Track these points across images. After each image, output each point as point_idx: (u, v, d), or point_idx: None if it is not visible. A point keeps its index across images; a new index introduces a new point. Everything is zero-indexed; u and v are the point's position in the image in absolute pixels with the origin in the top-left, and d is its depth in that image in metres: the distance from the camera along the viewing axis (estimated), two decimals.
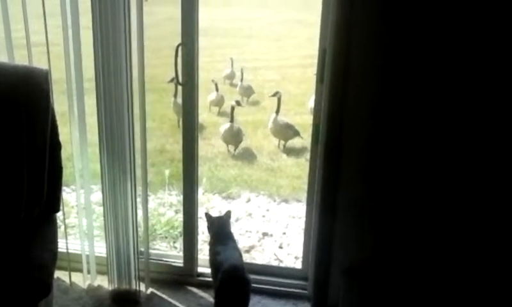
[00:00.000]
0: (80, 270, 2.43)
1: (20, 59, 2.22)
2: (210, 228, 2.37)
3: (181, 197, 2.44)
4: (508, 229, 2.06)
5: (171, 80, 3.41)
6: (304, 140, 4.85)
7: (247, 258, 2.92)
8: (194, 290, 2.46)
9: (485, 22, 1.86)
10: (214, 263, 2.20)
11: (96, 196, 2.94)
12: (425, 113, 2.00)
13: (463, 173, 2.04)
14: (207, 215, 2.42)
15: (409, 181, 2.10)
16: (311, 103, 4.42)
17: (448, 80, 1.95)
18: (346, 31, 1.94)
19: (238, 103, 4.91)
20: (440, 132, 2.01)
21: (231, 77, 6.71)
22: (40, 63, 2.00)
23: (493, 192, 2.04)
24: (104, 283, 2.43)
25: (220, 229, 2.34)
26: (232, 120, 4.79)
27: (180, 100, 2.39)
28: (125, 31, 2.02)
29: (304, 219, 2.46)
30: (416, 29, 1.91)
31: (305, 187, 2.42)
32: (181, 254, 2.54)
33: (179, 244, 2.99)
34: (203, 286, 2.45)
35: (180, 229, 2.80)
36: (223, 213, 2.48)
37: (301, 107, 5.90)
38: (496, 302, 2.08)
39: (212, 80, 5.71)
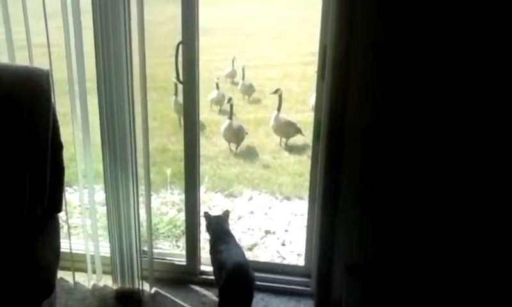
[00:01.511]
0: (85, 270, 2.44)
1: (21, 60, 2.22)
2: (208, 227, 2.39)
3: (183, 196, 2.45)
4: (507, 226, 2.06)
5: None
6: (306, 137, 4.85)
7: (250, 256, 2.93)
8: (197, 288, 2.46)
9: (488, 21, 1.86)
10: (217, 261, 2.20)
11: (99, 195, 2.95)
12: (428, 110, 2.00)
13: (465, 169, 2.03)
14: (206, 214, 2.43)
15: (411, 178, 2.09)
16: (312, 101, 4.42)
17: (452, 76, 1.94)
18: (346, 27, 1.93)
19: (229, 99, 4.92)
20: (444, 129, 2.01)
21: (232, 75, 6.71)
22: (41, 64, 2.00)
23: (493, 190, 2.04)
24: (109, 282, 2.43)
25: (219, 228, 2.34)
26: (230, 117, 4.79)
27: (180, 99, 2.39)
28: (126, 30, 2.02)
29: (306, 216, 2.46)
30: (417, 25, 1.91)
31: (307, 184, 2.42)
32: (184, 252, 2.54)
33: (182, 243, 3.00)
34: (206, 284, 2.46)
35: (183, 228, 2.80)
36: (221, 212, 2.49)
37: (303, 104, 5.89)
38: (498, 298, 2.08)
39: (217, 78, 5.72)
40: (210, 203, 3.76)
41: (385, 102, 2.03)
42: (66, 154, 1.95)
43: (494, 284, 2.11)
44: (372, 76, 2.00)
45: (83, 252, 2.43)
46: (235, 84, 6.59)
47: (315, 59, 2.19)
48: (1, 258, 1.65)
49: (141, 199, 2.30)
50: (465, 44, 1.89)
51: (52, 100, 1.86)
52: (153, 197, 3.59)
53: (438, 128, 2.01)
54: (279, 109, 4.90)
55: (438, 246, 2.16)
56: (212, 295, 2.39)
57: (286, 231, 3.35)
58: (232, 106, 4.85)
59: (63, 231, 2.20)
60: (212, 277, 2.31)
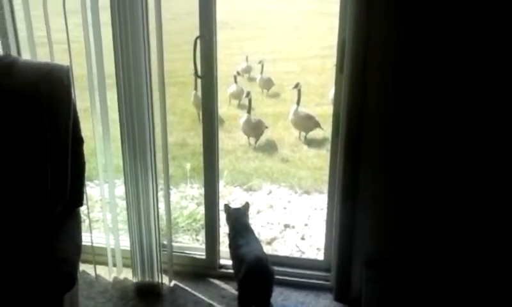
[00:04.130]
0: (106, 264, 2.47)
1: (42, 57, 2.26)
2: (228, 219, 2.39)
3: (203, 190, 2.46)
4: None
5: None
6: (325, 131, 4.82)
7: (269, 250, 2.93)
8: (217, 281, 2.48)
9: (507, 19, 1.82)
10: (236, 255, 2.21)
11: (120, 190, 2.98)
12: (447, 102, 1.96)
13: (485, 163, 2.00)
14: (226, 206, 2.43)
15: (431, 172, 2.06)
16: (331, 94, 4.38)
17: (470, 66, 1.90)
18: (365, 21, 1.91)
19: (248, 93, 4.91)
20: (464, 121, 1.97)
21: (247, 70, 6.69)
22: (61, 60, 2.03)
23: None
24: (129, 275, 2.47)
25: (238, 220, 2.34)
26: (248, 111, 4.79)
27: (200, 93, 2.40)
28: (144, 26, 2.04)
29: (326, 210, 2.45)
30: (434, 18, 1.87)
31: (326, 178, 2.40)
32: (203, 246, 2.56)
33: (201, 237, 3.01)
34: (225, 278, 2.47)
35: (202, 221, 2.82)
36: (240, 205, 2.49)
37: (322, 98, 5.85)
38: None
39: (237, 73, 5.74)
40: (229, 197, 3.78)
41: (404, 95, 2.00)
42: (87, 149, 1.98)
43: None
44: (391, 69, 1.97)
45: (104, 245, 2.47)
46: (250, 79, 6.58)
47: (333, 51, 2.17)
48: (24, 251, 1.69)
49: (160, 193, 2.32)
50: (484, 37, 1.85)
51: (72, 95, 1.88)
52: (173, 191, 3.62)
53: (458, 121, 1.97)
54: (298, 103, 4.88)
55: (458, 240, 2.13)
56: (231, 289, 2.40)
57: (306, 225, 3.34)
58: (250, 100, 4.84)
59: (85, 225, 2.23)
60: (232, 271, 2.32)
